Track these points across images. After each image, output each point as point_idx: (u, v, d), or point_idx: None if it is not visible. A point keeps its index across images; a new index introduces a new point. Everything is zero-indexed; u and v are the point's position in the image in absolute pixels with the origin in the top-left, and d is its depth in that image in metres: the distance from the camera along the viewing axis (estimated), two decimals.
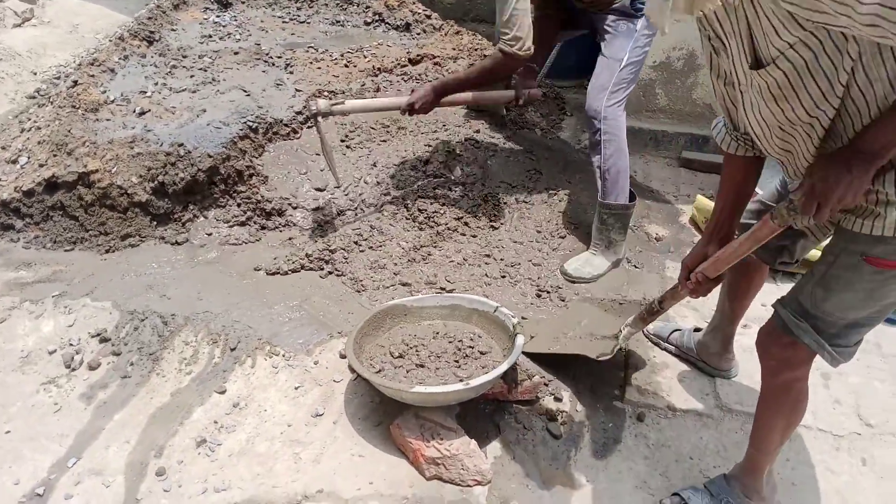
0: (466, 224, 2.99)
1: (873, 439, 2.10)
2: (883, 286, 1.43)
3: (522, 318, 2.47)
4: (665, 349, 2.47)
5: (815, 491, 1.94)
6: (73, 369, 2.35)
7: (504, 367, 1.96)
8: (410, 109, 2.88)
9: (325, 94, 3.65)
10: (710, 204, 2.98)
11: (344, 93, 3.68)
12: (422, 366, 2.11)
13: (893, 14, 0.97)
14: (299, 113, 3.48)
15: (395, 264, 2.76)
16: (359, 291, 2.62)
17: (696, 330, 2.43)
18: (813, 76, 1.21)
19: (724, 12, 1.28)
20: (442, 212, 2.98)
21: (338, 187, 3.08)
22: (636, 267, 2.86)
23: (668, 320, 2.57)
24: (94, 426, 2.15)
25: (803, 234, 1.78)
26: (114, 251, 2.88)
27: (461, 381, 1.97)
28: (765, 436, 1.75)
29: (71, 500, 1.93)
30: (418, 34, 4.48)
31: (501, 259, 2.85)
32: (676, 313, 2.67)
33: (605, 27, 2.74)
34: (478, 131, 3.45)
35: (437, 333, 2.26)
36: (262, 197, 3.08)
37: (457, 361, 2.13)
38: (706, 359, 2.35)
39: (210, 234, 2.97)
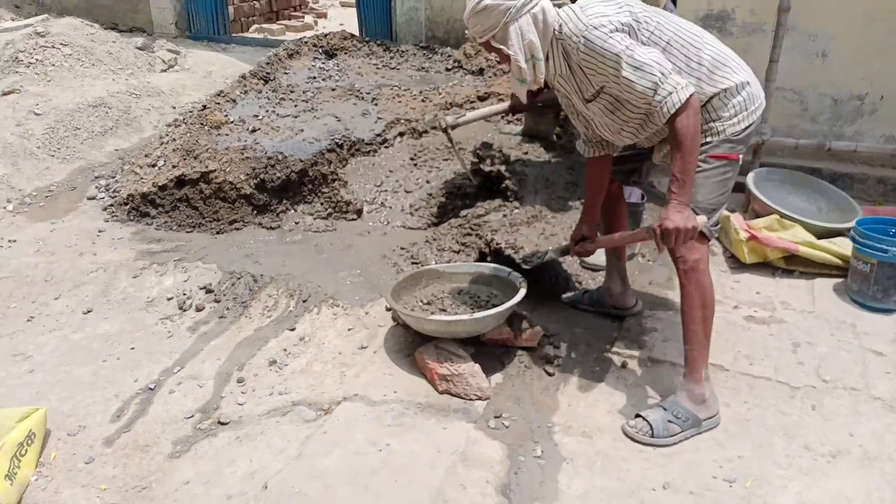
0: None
1: (826, 392, 2.39)
2: (723, 175, 2.21)
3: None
4: (585, 310, 2.88)
5: (764, 426, 2.26)
6: (185, 310, 3.04)
7: (505, 306, 2.45)
8: (512, 109, 3.68)
9: (402, 121, 4.33)
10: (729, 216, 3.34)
11: (418, 121, 4.35)
12: (444, 310, 2.64)
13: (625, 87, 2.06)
14: (378, 135, 4.18)
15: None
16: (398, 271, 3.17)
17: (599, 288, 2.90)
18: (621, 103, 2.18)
19: (561, 80, 2.23)
20: (483, 222, 3.52)
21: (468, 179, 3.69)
22: (649, 262, 3.27)
23: (579, 288, 3.04)
24: (196, 348, 2.80)
25: (648, 158, 2.46)
26: (223, 233, 3.62)
27: (469, 315, 2.48)
28: (690, 326, 2.24)
29: (173, 394, 2.57)
30: (489, 77, 5.14)
31: None
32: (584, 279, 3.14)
33: None
34: (526, 153, 4.00)
35: (462, 291, 2.78)
36: (341, 198, 3.75)
37: (472, 310, 2.64)
38: (614, 303, 2.82)
39: (297, 223, 3.66)
